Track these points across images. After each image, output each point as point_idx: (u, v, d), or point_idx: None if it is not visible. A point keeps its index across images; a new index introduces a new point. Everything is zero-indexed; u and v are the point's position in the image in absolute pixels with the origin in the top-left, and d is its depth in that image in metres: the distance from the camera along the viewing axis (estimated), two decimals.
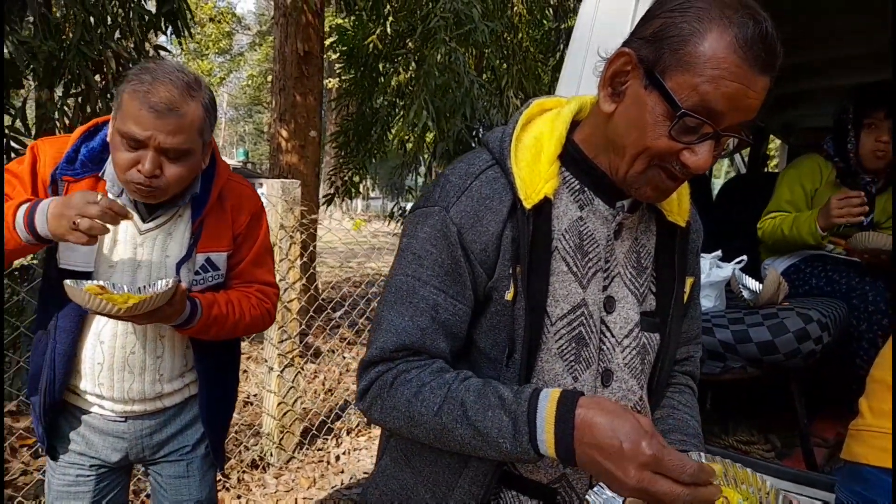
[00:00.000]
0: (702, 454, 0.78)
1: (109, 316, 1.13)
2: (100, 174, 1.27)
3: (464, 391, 0.78)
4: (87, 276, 1.24)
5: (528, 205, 0.81)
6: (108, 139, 1.25)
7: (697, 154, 0.74)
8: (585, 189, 0.86)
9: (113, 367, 1.31)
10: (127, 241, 1.29)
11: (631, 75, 0.77)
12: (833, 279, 1.85)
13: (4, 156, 3.28)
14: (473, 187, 0.83)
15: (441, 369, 0.82)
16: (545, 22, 8.07)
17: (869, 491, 0.96)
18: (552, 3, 7.96)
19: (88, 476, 1.40)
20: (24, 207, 1.12)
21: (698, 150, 0.74)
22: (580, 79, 1.43)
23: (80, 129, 1.28)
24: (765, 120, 3.31)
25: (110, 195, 1.27)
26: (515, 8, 6.80)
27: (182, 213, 1.33)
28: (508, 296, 0.82)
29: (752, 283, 1.70)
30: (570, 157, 0.86)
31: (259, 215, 1.45)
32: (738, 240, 2.17)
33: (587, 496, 0.75)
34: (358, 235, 9.79)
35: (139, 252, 1.29)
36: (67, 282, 1.10)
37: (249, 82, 30.14)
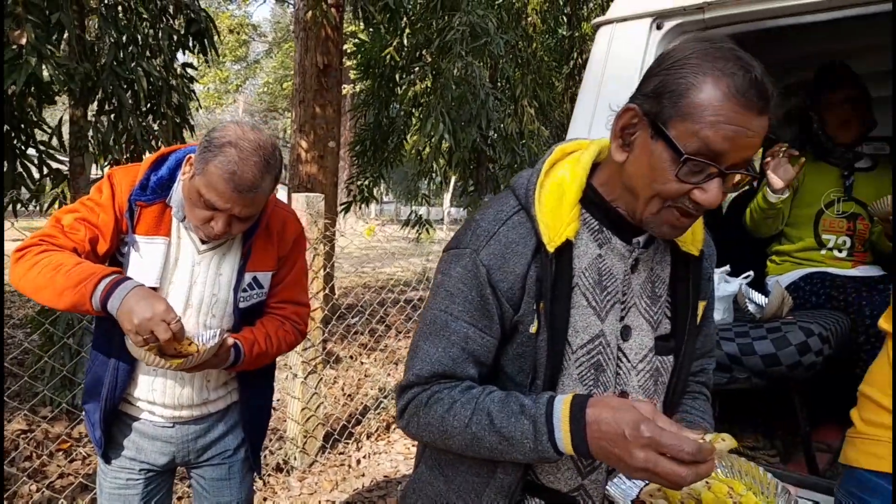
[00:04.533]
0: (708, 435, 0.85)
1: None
2: (167, 200, 1.40)
3: (489, 402, 0.88)
4: (152, 290, 1.36)
5: (550, 248, 0.88)
6: (181, 178, 1.38)
7: (707, 192, 0.81)
8: (604, 229, 0.94)
9: (167, 374, 1.44)
10: (187, 259, 1.42)
11: (638, 127, 0.85)
12: (832, 296, 1.93)
13: (43, 168, 3.44)
14: (501, 232, 0.92)
15: (469, 387, 0.92)
16: (559, 30, 8.16)
17: (862, 492, 1.05)
18: (566, 12, 8.05)
19: (138, 479, 1.52)
20: (107, 280, 1.24)
21: (707, 187, 0.81)
22: (591, 119, 1.54)
23: (149, 160, 1.41)
24: (776, 133, 3.38)
25: (175, 220, 1.41)
26: (529, 18, 6.91)
27: (235, 236, 1.46)
28: (533, 329, 0.90)
29: (759, 298, 1.78)
30: (590, 200, 0.94)
31: (300, 239, 1.57)
32: (747, 254, 2.25)
33: (607, 487, 0.85)
34: (371, 240, 9.92)
35: (196, 270, 1.43)
36: (127, 341, 1.26)
37: (265, 89, 30.46)
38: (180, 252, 1.42)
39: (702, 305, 1.04)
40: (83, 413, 1.52)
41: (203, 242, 1.43)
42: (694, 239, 1.00)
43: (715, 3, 1.51)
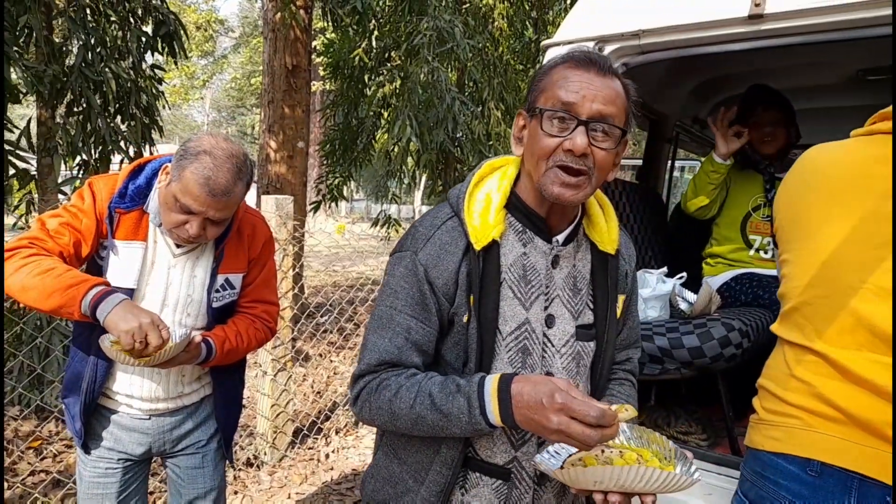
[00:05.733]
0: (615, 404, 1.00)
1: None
2: (144, 207, 1.51)
3: (430, 385, 1.00)
4: (131, 291, 1.48)
5: (477, 247, 1.03)
6: (157, 186, 1.49)
7: (573, 139, 0.98)
8: (527, 230, 1.09)
9: (144, 370, 1.55)
10: (163, 263, 1.53)
11: (526, 125, 1.06)
12: (758, 294, 2.12)
13: (4, 172, 3.46)
14: (436, 235, 1.06)
15: (413, 374, 1.05)
16: (525, 34, 8.32)
17: (765, 471, 1.17)
18: (533, 16, 8.21)
19: (116, 468, 1.62)
20: (97, 289, 1.34)
21: (574, 136, 0.98)
22: None
23: (126, 169, 1.51)
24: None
25: (151, 225, 1.51)
26: (496, 23, 7.05)
27: (209, 241, 1.57)
28: (465, 319, 1.04)
29: (690, 296, 1.96)
30: (514, 206, 1.09)
31: (269, 242, 1.69)
32: (687, 258, 2.44)
33: (535, 459, 0.99)
34: (341, 239, 9.97)
35: (171, 273, 1.54)
36: (104, 342, 1.36)
37: (233, 84, 30.10)
38: (156, 255, 1.52)
39: (621, 299, 1.19)
40: (63, 406, 1.61)
41: (178, 246, 1.54)
42: (610, 239, 1.16)
43: (648, 31, 1.68)
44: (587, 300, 1.15)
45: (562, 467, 0.98)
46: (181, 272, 1.54)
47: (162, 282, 1.52)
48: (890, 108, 1.16)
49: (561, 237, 1.11)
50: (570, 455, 1.01)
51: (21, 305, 3.40)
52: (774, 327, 1.25)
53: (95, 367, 1.52)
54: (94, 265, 1.52)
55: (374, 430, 1.25)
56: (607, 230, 1.16)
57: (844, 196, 1.13)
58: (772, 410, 1.19)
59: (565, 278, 1.12)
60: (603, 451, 1.00)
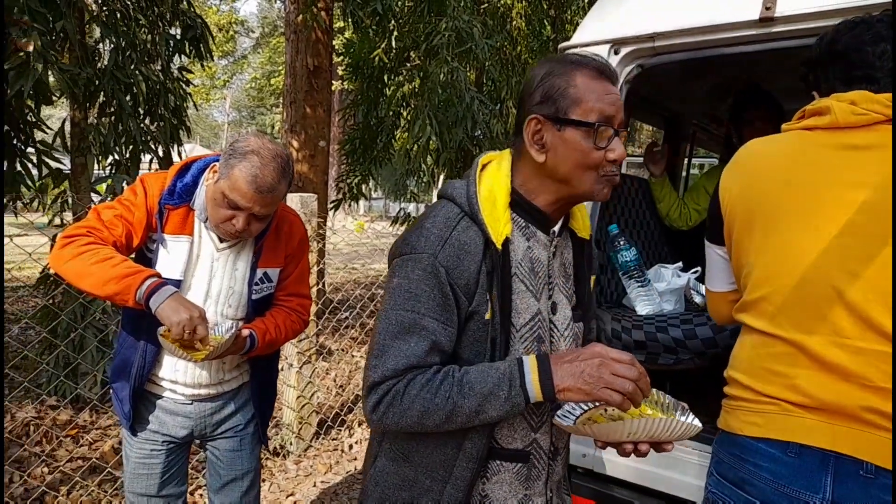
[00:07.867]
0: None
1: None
2: (191, 204, 1.61)
3: (465, 374, 1.02)
4: (178, 282, 1.58)
5: (499, 246, 1.06)
6: (204, 184, 1.59)
7: (617, 149, 1.06)
8: (529, 225, 1.13)
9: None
10: (207, 256, 1.64)
11: (544, 130, 1.08)
12: None
13: (25, 167, 3.58)
14: (453, 236, 1.06)
15: (439, 369, 1.04)
16: (543, 32, 8.36)
17: (744, 454, 1.20)
18: (551, 14, 8.26)
19: (160, 450, 1.73)
20: (151, 280, 1.45)
21: (614, 146, 1.06)
22: None
23: (174, 168, 1.61)
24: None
25: (197, 221, 1.62)
26: (514, 22, 7.10)
27: (252, 236, 1.66)
28: (487, 315, 1.06)
29: (704, 290, 2.02)
30: (516, 203, 1.12)
31: (305, 239, 1.79)
32: (702, 252, 2.49)
33: (554, 419, 1.07)
34: (361, 237, 10.10)
35: (215, 266, 1.64)
36: (160, 332, 1.48)
37: (252, 84, 30.42)
38: (201, 249, 1.63)
39: (592, 279, 1.30)
40: (112, 390, 1.72)
41: (221, 241, 1.64)
42: (584, 226, 1.24)
43: (662, 33, 1.74)
44: (573, 283, 1.23)
45: (574, 425, 1.06)
46: (224, 265, 1.64)
47: (206, 274, 1.63)
48: (814, 104, 1.20)
49: (557, 227, 1.17)
50: (581, 414, 1.09)
51: (57, 300, 3.55)
52: (739, 316, 1.28)
53: (144, 354, 1.63)
54: (143, 257, 1.63)
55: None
56: (581, 217, 1.24)
57: (806, 186, 1.16)
58: (747, 399, 1.22)
59: (559, 267, 1.19)
60: (606, 410, 1.08)
